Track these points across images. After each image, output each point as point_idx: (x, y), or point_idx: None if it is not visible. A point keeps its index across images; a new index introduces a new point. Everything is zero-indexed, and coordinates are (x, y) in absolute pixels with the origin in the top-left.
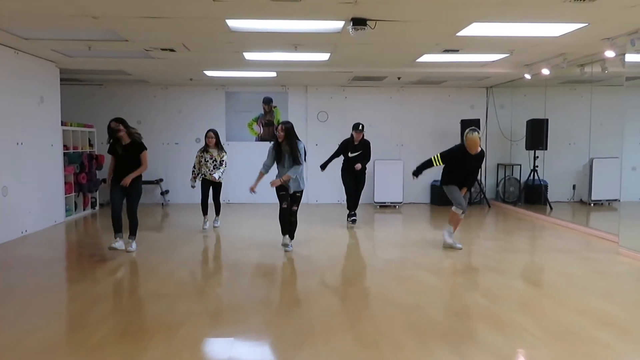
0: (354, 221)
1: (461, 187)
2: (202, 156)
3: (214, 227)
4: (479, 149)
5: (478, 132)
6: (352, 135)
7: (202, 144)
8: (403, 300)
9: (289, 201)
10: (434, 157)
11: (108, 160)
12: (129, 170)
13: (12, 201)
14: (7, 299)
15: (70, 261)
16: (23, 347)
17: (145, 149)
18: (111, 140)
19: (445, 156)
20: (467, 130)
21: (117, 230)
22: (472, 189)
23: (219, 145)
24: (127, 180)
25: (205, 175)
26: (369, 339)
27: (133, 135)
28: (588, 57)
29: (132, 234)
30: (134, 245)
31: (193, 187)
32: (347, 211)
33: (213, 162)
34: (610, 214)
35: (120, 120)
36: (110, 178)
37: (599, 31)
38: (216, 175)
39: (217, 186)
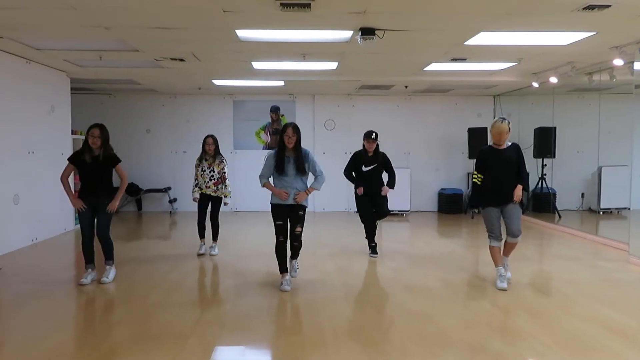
0: (373, 251)
1: (503, 202)
2: (200, 165)
3: (211, 255)
4: (509, 143)
5: (507, 122)
6: (363, 145)
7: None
8: (412, 309)
9: (290, 223)
10: (474, 176)
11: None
12: (97, 185)
13: (23, 209)
14: (18, 307)
15: (79, 269)
16: (33, 355)
17: (120, 160)
18: (80, 149)
19: (478, 166)
20: (495, 119)
21: (88, 260)
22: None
23: (217, 155)
24: (115, 204)
25: (202, 189)
26: (378, 348)
27: (107, 146)
28: (596, 66)
29: (109, 258)
30: (111, 273)
31: (197, 198)
32: (367, 240)
33: (210, 172)
34: (620, 222)
35: (101, 127)
36: (75, 196)
37: (607, 40)
38: (227, 201)
39: (217, 201)
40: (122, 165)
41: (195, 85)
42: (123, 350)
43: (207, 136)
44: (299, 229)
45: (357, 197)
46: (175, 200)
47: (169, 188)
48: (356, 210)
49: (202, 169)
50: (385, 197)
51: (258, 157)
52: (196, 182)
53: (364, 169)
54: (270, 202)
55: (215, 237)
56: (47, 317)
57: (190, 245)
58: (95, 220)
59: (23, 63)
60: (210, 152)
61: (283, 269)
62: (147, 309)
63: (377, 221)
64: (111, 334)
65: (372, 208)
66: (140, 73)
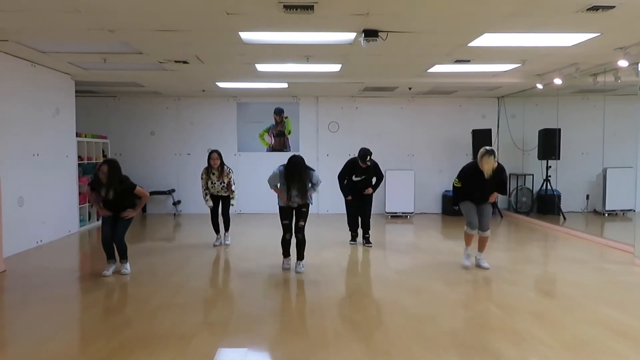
0: (367, 242)
1: (478, 201)
2: (208, 178)
3: (225, 244)
4: (495, 164)
5: (494, 155)
6: (357, 159)
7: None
8: (415, 310)
9: (295, 218)
10: (455, 181)
11: (122, 170)
12: (119, 207)
13: (28, 211)
14: (22, 308)
15: (84, 271)
16: (38, 356)
17: (135, 186)
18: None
19: (460, 177)
20: (483, 151)
21: (109, 256)
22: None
23: (223, 167)
24: (130, 213)
25: (213, 192)
26: (381, 350)
27: (121, 181)
28: (601, 67)
29: (123, 258)
30: (128, 267)
31: (211, 206)
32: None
33: (221, 183)
34: (625, 224)
35: (109, 164)
36: (101, 207)
37: (612, 41)
38: (233, 203)
39: (226, 200)
40: (127, 166)
41: (199, 87)
42: (127, 352)
43: (212, 151)
44: (302, 222)
45: (346, 203)
46: (179, 202)
47: (173, 190)
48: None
49: (212, 181)
50: (370, 197)
51: (262, 159)
52: (206, 191)
53: (355, 178)
54: (278, 205)
55: (227, 228)
56: (51, 319)
57: (195, 246)
58: (117, 224)
59: (28, 66)
60: (216, 166)
61: (286, 255)
62: (151, 310)
63: (365, 232)
64: (115, 335)
65: (357, 211)
66: (144, 75)
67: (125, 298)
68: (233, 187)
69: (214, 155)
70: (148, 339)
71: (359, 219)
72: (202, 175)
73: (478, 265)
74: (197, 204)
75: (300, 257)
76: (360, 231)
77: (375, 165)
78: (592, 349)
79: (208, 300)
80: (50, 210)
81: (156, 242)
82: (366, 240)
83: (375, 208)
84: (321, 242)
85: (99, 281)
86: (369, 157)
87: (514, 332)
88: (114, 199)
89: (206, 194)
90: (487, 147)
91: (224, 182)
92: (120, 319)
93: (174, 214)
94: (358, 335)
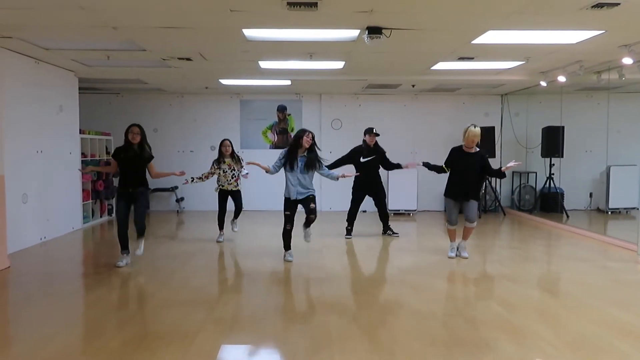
0: (388, 232)
1: (461, 198)
2: (219, 167)
3: (234, 231)
4: (477, 148)
5: (478, 127)
6: (364, 141)
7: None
8: (419, 308)
9: (306, 204)
10: (444, 166)
11: None
12: (134, 177)
13: (32, 208)
14: (26, 305)
15: (87, 268)
16: (41, 354)
17: (153, 157)
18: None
19: (448, 160)
20: (467, 126)
21: (123, 247)
22: (485, 196)
23: (234, 155)
24: (173, 173)
25: (223, 186)
26: (384, 348)
27: (147, 144)
28: (605, 64)
29: (141, 234)
30: (142, 245)
31: (185, 182)
32: (347, 224)
33: (232, 171)
34: (629, 223)
35: (139, 125)
36: (116, 186)
37: (616, 38)
38: (244, 172)
39: (236, 193)
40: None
41: (202, 84)
42: (131, 349)
43: (224, 139)
44: (312, 205)
45: (355, 189)
46: (182, 199)
47: (176, 187)
48: (363, 210)
49: (224, 170)
50: (379, 182)
51: (265, 157)
52: (201, 178)
53: (362, 160)
54: (284, 196)
55: (237, 215)
56: (55, 315)
57: (198, 243)
58: (133, 209)
59: (32, 63)
60: (227, 153)
61: (287, 247)
62: (154, 307)
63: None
64: (119, 332)
65: (362, 199)
66: (148, 72)
67: (129, 295)
68: (243, 163)
69: (226, 143)
70: (152, 336)
71: (377, 210)
72: (212, 164)
73: (458, 255)
74: (200, 201)
75: (307, 225)
76: (356, 228)
77: (383, 151)
78: (595, 348)
79: (211, 297)
80: (54, 207)
81: (159, 239)
82: (391, 230)
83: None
84: (324, 240)
85: (102, 278)
86: (375, 129)
87: (517, 331)
88: (137, 164)
89: (197, 178)
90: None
91: (235, 171)
92: (124, 315)
93: (177, 211)
94: (361, 332)
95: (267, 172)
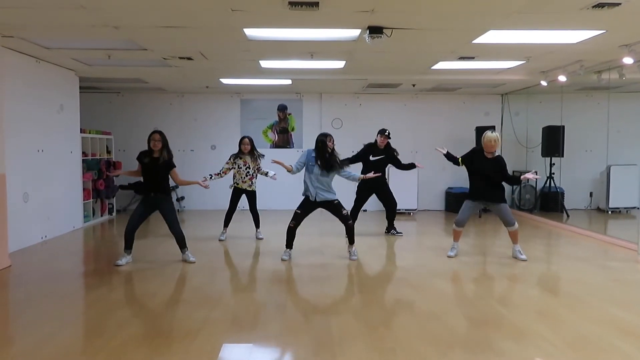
0: (392, 232)
1: (483, 201)
2: (234, 162)
3: (258, 239)
4: (496, 153)
5: (495, 132)
6: (376, 140)
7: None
8: (420, 308)
9: (335, 213)
10: (460, 158)
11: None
12: (155, 183)
13: (33, 207)
14: (27, 304)
15: (88, 267)
16: (42, 353)
17: (175, 166)
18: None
19: (466, 156)
20: (485, 133)
21: (128, 245)
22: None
23: (253, 153)
24: (197, 182)
25: (237, 184)
26: (386, 347)
27: (168, 151)
28: (605, 64)
29: (183, 246)
30: (190, 255)
31: (204, 179)
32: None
33: (247, 169)
34: (629, 222)
35: (160, 132)
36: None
37: (617, 38)
38: (271, 173)
39: (251, 195)
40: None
41: (203, 84)
42: (132, 348)
43: (244, 137)
44: (344, 211)
45: (360, 188)
46: (182, 198)
47: (177, 186)
48: (364, 209)
49: (239, 166)
50: (385, 183)
51: (265, 156)
52: (219, 174)
53: (372, 158)
54: (303, 195)
55: (258, 224)
56: (56, 314)
57: (199, 242)
58: (165, 221)
59: (33, 62)
60: (246, 151)
61: (288, 246)
62: (155, 306)
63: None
64: (120, 331)
65: (362, 205)
66: (149, 72)
67: (130, 294)
68: (261, 170)
69: (245, 141)
70: (153, 335)
71: (385, 209)
72: (229, 158)
73: (515, 257)
74: (200, 200)
75: (351, 241)
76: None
77: (394, 151)
78: (596, 347)
79: (213, 296)
80: (54, 206)
81: (159, 238)
82: (395, 229)
83: (377, 205)
84: (325, 239)
85: (103, 277)
86: (387, 131)
87: (518, 330)
88: (156, 171)
89: (215, 175)
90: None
91: (250, 169)
92: (125, 314)
93: (178, 210)
94: (362, 332)
95: (288, 171)
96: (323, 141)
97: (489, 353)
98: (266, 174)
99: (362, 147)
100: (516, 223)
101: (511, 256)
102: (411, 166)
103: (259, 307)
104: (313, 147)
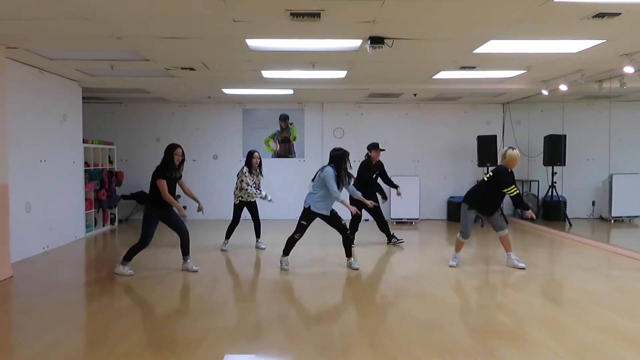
0: (393, 241)
1: (486, 213)
2: (244, 180)
3: (261, 248)
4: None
5: (514, 149)
6: (368, 156)
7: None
8: (422, 317)
9: (333, 224)
10: (515, 189)
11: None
12: (173, 195)
13: (35, 217)
14: (29, 314)
15: (90, 277)
16: None
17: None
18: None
19: (514, 182)
20: (506, 149)
21: (129, 259)
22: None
23: (260, 168)
24: (182, 212)
25: (242, 198)
26: (388, 356)
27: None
28: (606, 73)
29: (187, 253)
30: (192, 264)
31: (270, 199)
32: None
33: (254, 182)
34: (632, 231)
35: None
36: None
37: (617, 47)
38: (265, 194)
39: (253, 205)
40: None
41: (205, 94)
42: (134, 358)
43: (254, 151)
44: (343, 221)
45: (353, 203)
46: (184, 208)
47: (178, 196)
48: (365, 218)
49: (255, 182)
50: (378, 206)
51: (267, 166)
52: (242, 190)
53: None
54: (312, 209)
55: (258, 234)
56: (58, 324)
57: (201, 252)
58: (174, 223)
59: (36, 73)
60: (256, 165)
61: (286, 253)
62: (157, 316)
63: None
64: (122, 341)
65: (361, 215)
66: (151, 82)
67: (132, 304)
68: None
69: (256, 155)
70: (155, 345)
71: (376, 221)
72: (244, 174)
73: (512, 266)
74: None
75: (347, 254)
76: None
77: (382, 165)
78: (599, 356)
79: (215, 306)
80: (57, 216)
81: (161, 248)
82: (395, 237)
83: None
84: (326, 248)
85: (105, 286)
86: (380, 145)
87: (520, 339)
88: (174, 185)
89: (240, 191)
90: (506, 148)
91: (256, 184)
92: (127, 324)
93: None
94: (364, 341)
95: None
96: (346, 156)
97: None
98: (264, 197)
99: (359, 164)
100: (506, 228)
101: (510, 266)
102: (395, 186)
103: (261, 317)
104: (326, 162)
